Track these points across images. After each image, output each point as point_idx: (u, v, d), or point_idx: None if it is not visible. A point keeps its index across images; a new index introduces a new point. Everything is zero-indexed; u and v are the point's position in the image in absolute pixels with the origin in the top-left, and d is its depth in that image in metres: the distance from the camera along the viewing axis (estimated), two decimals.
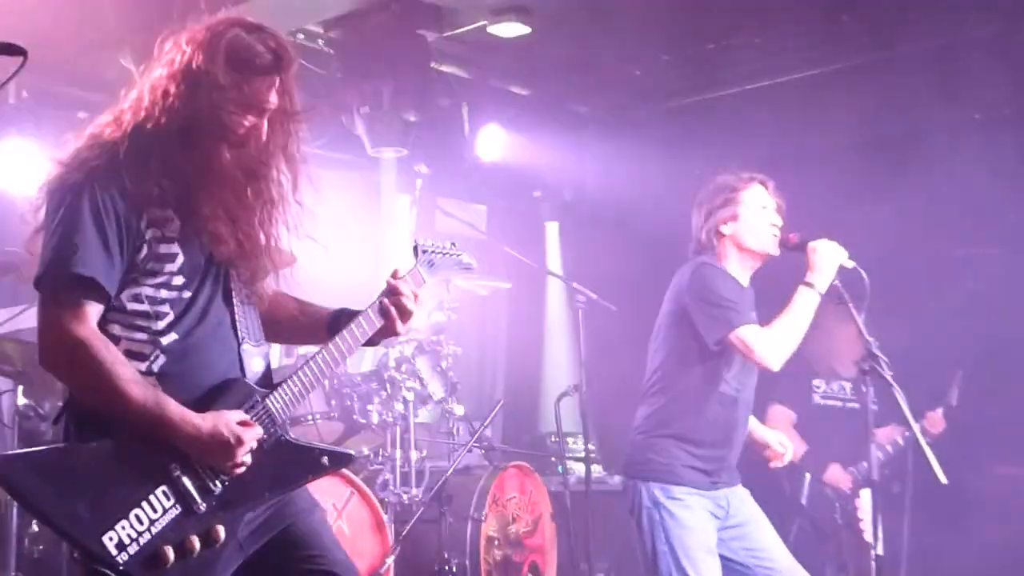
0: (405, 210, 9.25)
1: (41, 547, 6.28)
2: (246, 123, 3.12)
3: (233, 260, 3.17)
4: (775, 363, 4.57)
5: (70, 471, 2.89)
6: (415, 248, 3.68)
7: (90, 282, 2.93)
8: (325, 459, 3.27)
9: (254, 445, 3.05)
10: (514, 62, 9.00)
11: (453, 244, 3.80)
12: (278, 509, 3.21)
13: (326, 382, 3.35)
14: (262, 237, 3.21)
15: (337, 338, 3.34)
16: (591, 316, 6.82)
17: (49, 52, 6.59)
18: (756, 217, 4.75)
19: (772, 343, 4.54)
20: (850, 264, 4.58)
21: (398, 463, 6.55)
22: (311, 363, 3.28)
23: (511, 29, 8.10)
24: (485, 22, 8.01)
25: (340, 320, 3.42)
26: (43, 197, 3.06)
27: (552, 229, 10.39)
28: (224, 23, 3.18)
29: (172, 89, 3.07)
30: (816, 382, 6.99)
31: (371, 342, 3.45)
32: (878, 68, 7.92)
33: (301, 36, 8.10)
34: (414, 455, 6.60)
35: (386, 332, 3.44)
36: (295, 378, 3.24)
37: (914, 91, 7.53)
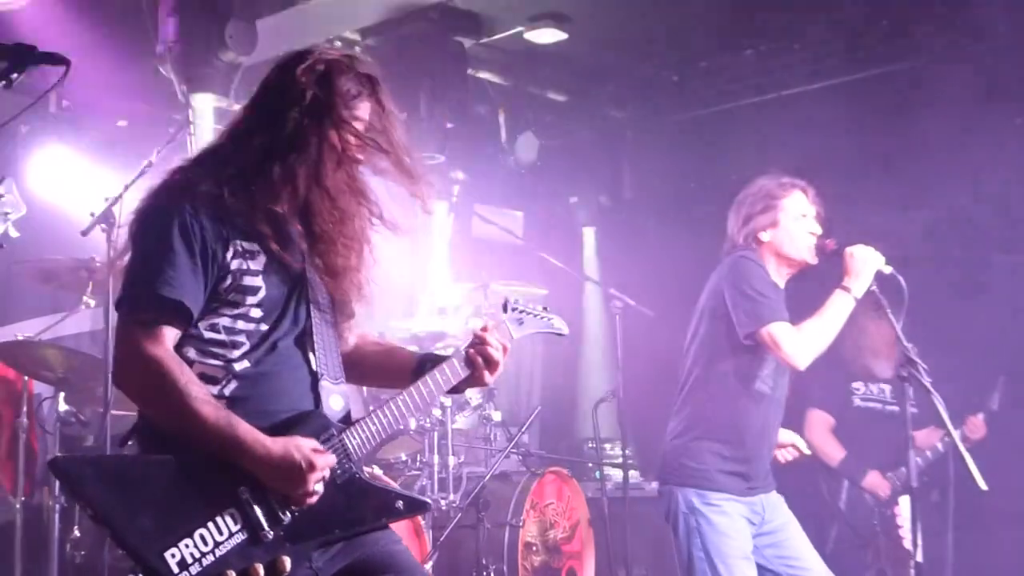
0: (443, 216, 9.28)
1: (83, 553, 6.33)
2: (355, 146, 3.16)
3: (336, 293, 3.18)
4: (802, 362, 4.55)
5: (138, 481, 2.85)
6: (504, 305, 3.64)
7: (175, 304, 2.93)
8: (400, 503, 3.19)
9: (326, 475, 2.99)
10: (551, 68, 9.03)
11: (545, 308, 3.74)
12: (357, 537, 3.15)
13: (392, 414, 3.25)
14: (359, 275, 3.21)
15: (420, 383, 3.28)
16: (628, 321, 6.82)
17: (90, 61, 6.66)
18: (796, 225, 4.71)
19: (801, 342, 4.52)
20: (887, 269, 4.55)
21: (436, 469, 6.56)
22: (390, 405, 3.22)
23: (548, 35, 8.14)
24: (522, 28, 8.04)
25: (424, 366, 3.36)
26: (132, 219, 3.06)
27: (589, 235, 10.41)
28: (318, 55, 3.20)
29: (281, 119, 3.11)
30: (855, 384, 6.95)
31: (455, 390, 3.40)
32: (916, 72, 7.89)
33: (338, 44, 8.15)
34: (452, 461, 6.62)
35: (473, 382, 3.39)
36: (373, 417, 3.18)
37: (952, 95, 7.48)
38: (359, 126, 3.15)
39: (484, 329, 3.43)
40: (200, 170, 3.10)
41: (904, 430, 4.47)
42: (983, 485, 4.29)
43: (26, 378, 6.38)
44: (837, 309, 4.54)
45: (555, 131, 9.77)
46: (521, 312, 3.64)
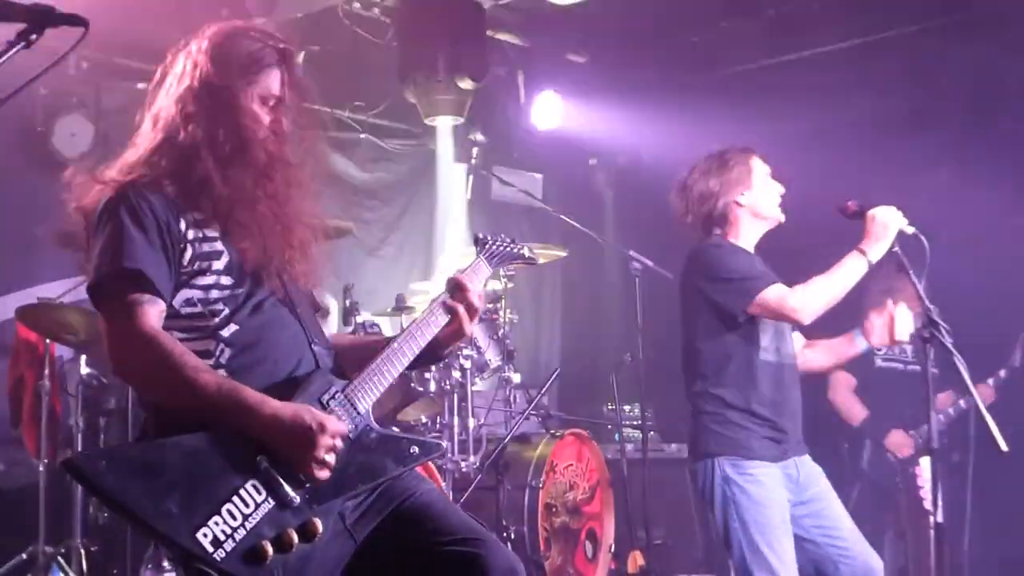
0: (461, 178, 9.27)
1: (106, 514, 6.38)
2: (263, 121, 3.15)
3: (267, 270, 3.13)
4: (806, 317, 4.57)
5: (156, 467, 2.80)
6: (476, 239, 3.68)
7: (138, 275, 2.91)
8: (415, 449, 3.19)
9: (338, 444, 2.96)
10: (571, 29, 8.97)
11: (513, 240, 3.79)
12: (386, 488, 3.14)
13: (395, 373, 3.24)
14: (290, 246, 3.18)
15: (405, 333, 3.29)
16: (647, 284, 6.80)
17: (109, 23, 6.63)
18: (766, 186, 4.84)
19: (804, 297, 4.54)
20: (910, 229, 4.53)
21: (456, 431, 6.58)
22: (384, 355, 3.21)
23: None
24: None
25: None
26: (92, 221, 3.05)
27: (608, 197, 10.38)
28: (224, 28, 3.21)
29: (192, 101, 3.11)
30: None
31: (439, 347, 3.40)
32: (945, 31, 7.81)
33: (357, 5, 8.12)
34: (471, 423, 6.64)
35: (455, 333, 3.39)
36: (371, 369, 3.17)
37: (986, 52, 7.40)
38: (262, 95, 3.15)
39: (460, 272, 3.45)
40: (130, 165, 3.10)
41: (925, 389, 4.46)
42: (1004, 446, 4.28)
43: (48, 340, 6.42)
44: (848, 270, 4.55)
45: (575, 93, 9.71)
46: (493, 244, 3.69)
